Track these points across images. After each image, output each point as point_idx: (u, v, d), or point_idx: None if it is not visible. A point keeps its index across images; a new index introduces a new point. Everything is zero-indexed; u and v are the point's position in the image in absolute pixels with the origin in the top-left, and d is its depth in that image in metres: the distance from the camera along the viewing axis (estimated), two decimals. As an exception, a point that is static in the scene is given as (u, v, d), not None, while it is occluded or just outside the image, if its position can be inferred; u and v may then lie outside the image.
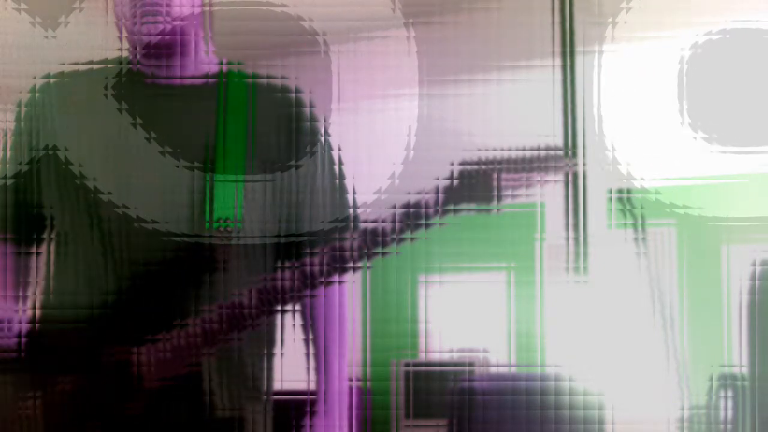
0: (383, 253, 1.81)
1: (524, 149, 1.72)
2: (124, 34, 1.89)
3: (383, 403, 6.49)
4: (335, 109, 4.75)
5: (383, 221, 1.75)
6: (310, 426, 1.92)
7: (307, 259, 1.80)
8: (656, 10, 3.83)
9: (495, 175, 1.75)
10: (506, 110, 4.51)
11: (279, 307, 1.81)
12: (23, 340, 1.84)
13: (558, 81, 3.70)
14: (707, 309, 5.85)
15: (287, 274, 1.81)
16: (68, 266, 1.84)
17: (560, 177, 1.74)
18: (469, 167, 1.72)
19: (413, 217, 1.77)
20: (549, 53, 3.75)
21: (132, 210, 1.82)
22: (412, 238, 1.81)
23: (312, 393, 1.98)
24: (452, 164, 1.72)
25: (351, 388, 2.00)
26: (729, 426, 2.84)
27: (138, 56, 1.85)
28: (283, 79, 1.98)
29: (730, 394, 2.85)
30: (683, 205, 5.94)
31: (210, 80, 1.92)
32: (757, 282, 2.66)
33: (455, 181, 1.72)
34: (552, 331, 5.03)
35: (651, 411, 4.01)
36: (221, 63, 1.95)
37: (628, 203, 5.24)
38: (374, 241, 1.78)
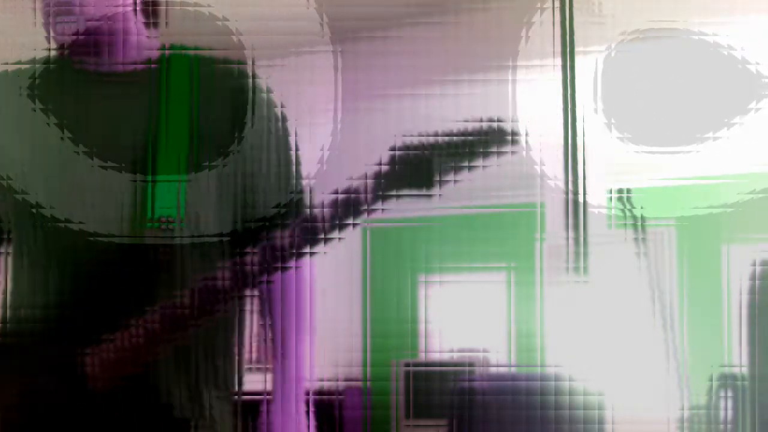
0: (325, 240, 1.77)
1: (465, 132, 1.68)
2: (52, 34, 1.86)
3: (383, 403, 6.49)
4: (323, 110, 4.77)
5: (318, 208, 1.72)
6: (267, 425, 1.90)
7: (246, 258, 1.77)
8: (656, 9, 3.83)
9: (435, 159, 1.71)
10: (506, 110, 4.50)
11: (218, 307, 1.80)
12: None
13: (558, 81, 3.70)
14: (707, 309, 5.85)
15: (226, 273, 1.79)
16: (18, 268, 1.83)
17: (503, 155, 1.70)
18: (407, 151, 1.69)
19: (353, 204, 1.74)
20: (549, 53, 3.75)
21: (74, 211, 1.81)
22: (353, 224, 1.77)
23: (268, 393, 1.95)
24: (391, 149, 1.69)
25: (308, 393, 1.95)
26: (729, 426, 2.84)
27: (68, 54, 1.83)
28: (239, 64, 1.93)
29: (730, 394, 2.85)
30: (683, 205, 5.94)
31: (150, 66, 1.88)
32: (757, 282, 2.65)
33: (394, 166, 1.69)
34: (552, 331, 5.03)
35: (651, 411, 4.01)
36: (162, 48, 1.89)
37: (628, 203, 5.24)
38: (312, 230, 1.75)
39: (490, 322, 6.43)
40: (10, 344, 1.77)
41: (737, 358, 2.66)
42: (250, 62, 1.90)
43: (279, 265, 1.78)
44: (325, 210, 1.73)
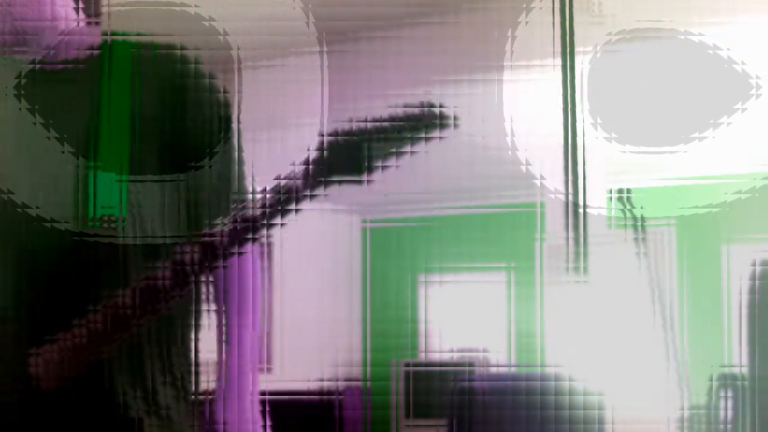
0: (254, 240, 1.77)
1: (395, 117, 1.67)
2: None
3: (383, 403, 6.49)
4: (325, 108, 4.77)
5: (252, 207, 1.71)
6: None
7: (186, 257, 1.77)
8: (656, 9, 3.83)
9: (365, 145, 1.70)
10: (506, 110, 4.51)
11: (160, 306, 1.79)
12: None
13: (558, 81, 3.70)
14: (707, 309, 5.85)
15: (167, 272, 1.78)
16: None
17: (432, 137, 1.69)
18: (337, 138, 1.68)
19: (287, 194, 1.73)
20: (549, 53, 3.75)
21: (20, 206, 1.81)
22: (296, 211, 1.76)
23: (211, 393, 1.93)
24: (321, 135, 1.68)
25: (263, 393, 1.94)
26: (729, 426, 2.84)
27: (9, 47, 1.83)
28: (186, 63, 1.91)
29: (730, 394, 2.85)
30: (683, 205, 5.94)
31: (93, 56, 1.88)
32: (757, 282, 2.65)
33: (323, 153, 1.68)
34: (552, 331, 5.02)
35: (651, 411, 4.01)
36: (104, 45, 1.88)
37: (628, 203, 5.24)
38: (245, 229, 1.74)
39: (490, 322, 6.44)
40: None
41: (737, 358, 2.66)
42: (206, 62, 1.89)
43: (219, 262, 1.77)
44: (259, 204, 1.72)
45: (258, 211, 1.70)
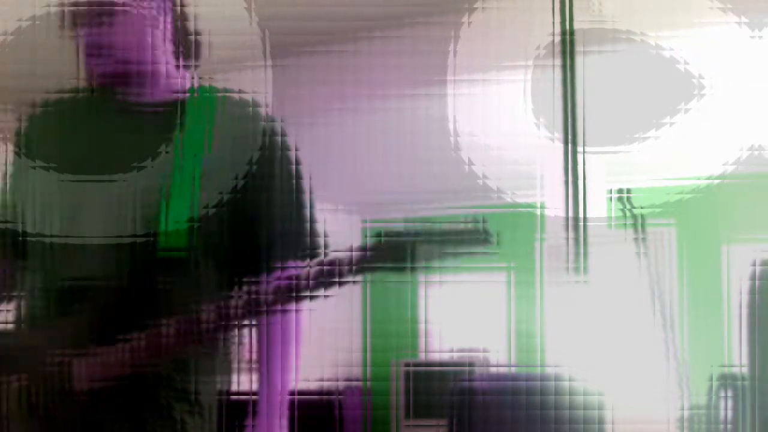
0: (298, 299, 1.85)
1: (445, 222, 1.82)
2: (87, 69, 1.95)
3: (383, 403, 6.49)
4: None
5: (297, 278, 1.82)
6: (252, 426, 1.96)
7: (255, 287, 1.85)
8: (655, 10, 3.84)
9: (414, 244, 1.85)
10: (505, 110, 4.52)
11: (230, 325, 1.86)
12: None
13: (558, 81, 3.70)
14: (707, 309, 5.86)
15: (236, 299, 1.86)
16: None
17: (477, 251, 1.83)
18: (390, 235, 1.81)
19: (327, 275, 1.85)
20: (549, 53, 3.75)
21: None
22: (325, 296, 1.86)
23: (254, 393, 2.00)
24: (377, 235, 1.81)
25: (293, 402, 2.01)
26: (729, 426, 2.84)
27: (105, 87, 1.91)
28: (252, 102, 2.00)
29: (730, 394, 2.85)
30: (683, 204, 5.95)
31: (180, 97, 1.96)
32: (757, 282, 2.65)
33: (379, 245, 1.81)
34: (552, 331, 5.02)
35: (651, 411, 4.01)
36: (191, 89, 1.97)
37: (628, 203, 5.24)
38: (289, 290, 1.83)
39: (490, 322, 6.44)
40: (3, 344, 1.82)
41: (737, 358, 2.66)
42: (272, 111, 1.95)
43: (261, 316, 1.86)
44: (310, 281, 1.81)
45: (312, 272, 1.78)
